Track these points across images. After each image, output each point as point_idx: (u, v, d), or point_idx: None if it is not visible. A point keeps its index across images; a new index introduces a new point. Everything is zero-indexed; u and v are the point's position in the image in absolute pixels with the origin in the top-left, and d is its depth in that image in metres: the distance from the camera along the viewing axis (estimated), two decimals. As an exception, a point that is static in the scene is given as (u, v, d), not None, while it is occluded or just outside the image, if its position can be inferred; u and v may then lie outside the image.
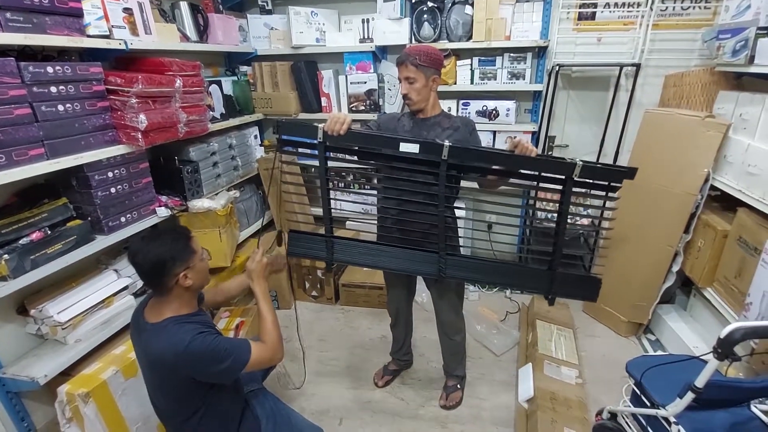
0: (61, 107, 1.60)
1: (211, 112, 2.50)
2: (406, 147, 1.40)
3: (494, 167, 1.56)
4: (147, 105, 1.85)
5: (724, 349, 1.14)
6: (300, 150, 1.56)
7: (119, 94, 1.78)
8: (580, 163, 1.32)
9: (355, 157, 1.61)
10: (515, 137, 1.45)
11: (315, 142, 1.44)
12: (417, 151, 1.40)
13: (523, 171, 1.48)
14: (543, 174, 1.47)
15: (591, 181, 1.39)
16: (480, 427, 1.88)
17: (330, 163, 1.54)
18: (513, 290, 2.89)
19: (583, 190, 1.46)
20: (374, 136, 1.59)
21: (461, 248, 1.79)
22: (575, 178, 1.35)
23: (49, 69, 1.55)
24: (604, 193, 1.43)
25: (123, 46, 1.84)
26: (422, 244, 1.58)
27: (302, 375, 2.02)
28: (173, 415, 1.31)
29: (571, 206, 1.44)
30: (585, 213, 2.60)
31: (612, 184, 1.41)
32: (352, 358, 2.33)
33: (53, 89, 1.57)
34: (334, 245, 1.58)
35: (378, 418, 1.94)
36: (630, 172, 1.35)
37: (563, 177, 1.38)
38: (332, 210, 1.57)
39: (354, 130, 1.44)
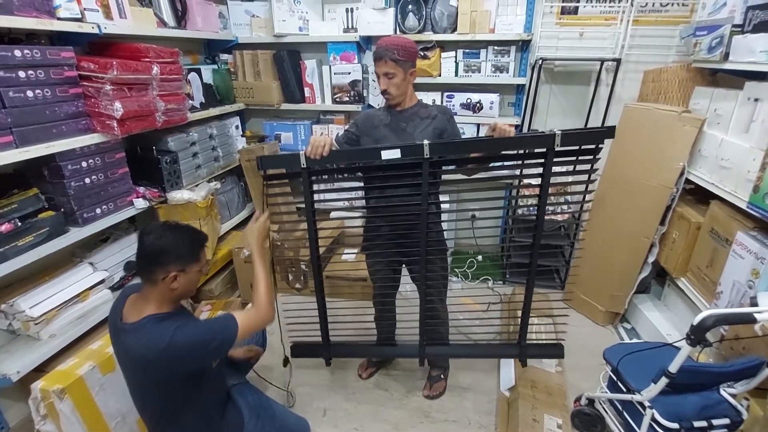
0: (30, 93, 1.53)
1: (190, 101, 2.43)
2: (388, 154, 1.39)
3: (477, 155, 1.57)
4: (123, 92, 1.79)
5: (697, 335, 1.19)
6: (286, 180, 1.63)
7: (93, 80, 1.71)
8: (559, 132, 1.34)
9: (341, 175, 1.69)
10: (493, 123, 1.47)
11: (299, 170, 1.47)
12: (399, 156, 1.40)
13: (506, 153, 1.50)
14: (525, 151, 1.49)
15: (571, 148, 1.41)
16: (463, 415, 1.91)
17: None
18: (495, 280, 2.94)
19: (567, 159, 1.46)
20: (356, 150, 1.64)
21: (445, 235, 1.81)
22: (556, 148, 1.36)
23: (17, 52, 1.48)
24: (585, 163, 1.45)
25: (96, 30, 1.76)
26: (410, 236, 1.58)
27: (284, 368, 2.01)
28: (155, 413, 1.28)
29: (550, 197, 1.45)
30: (564, 201, 2.65)
31: (596, 146, 1.42)
32: (336, 350, 2.33)
33: (21, 74, 1.50)
34: (331, 347, 1.87)
35: (362, 409, 1.95)
36: (609, 131, 1.38)
37: (544, 150, 1.39)
38: (316, 202, 1.57)
39: (335, 149, 1.46)
